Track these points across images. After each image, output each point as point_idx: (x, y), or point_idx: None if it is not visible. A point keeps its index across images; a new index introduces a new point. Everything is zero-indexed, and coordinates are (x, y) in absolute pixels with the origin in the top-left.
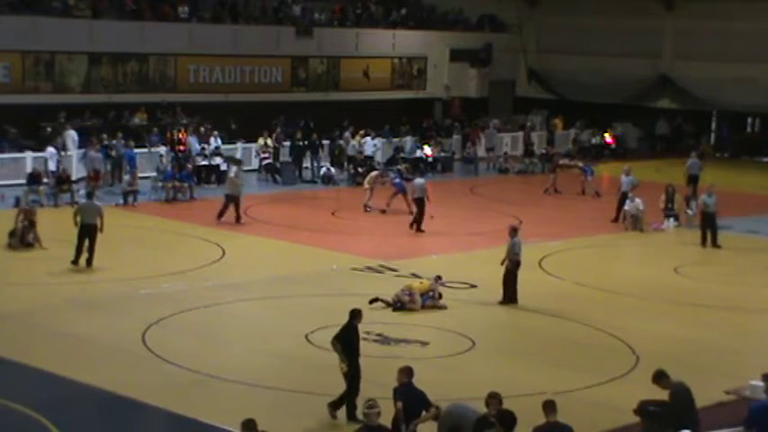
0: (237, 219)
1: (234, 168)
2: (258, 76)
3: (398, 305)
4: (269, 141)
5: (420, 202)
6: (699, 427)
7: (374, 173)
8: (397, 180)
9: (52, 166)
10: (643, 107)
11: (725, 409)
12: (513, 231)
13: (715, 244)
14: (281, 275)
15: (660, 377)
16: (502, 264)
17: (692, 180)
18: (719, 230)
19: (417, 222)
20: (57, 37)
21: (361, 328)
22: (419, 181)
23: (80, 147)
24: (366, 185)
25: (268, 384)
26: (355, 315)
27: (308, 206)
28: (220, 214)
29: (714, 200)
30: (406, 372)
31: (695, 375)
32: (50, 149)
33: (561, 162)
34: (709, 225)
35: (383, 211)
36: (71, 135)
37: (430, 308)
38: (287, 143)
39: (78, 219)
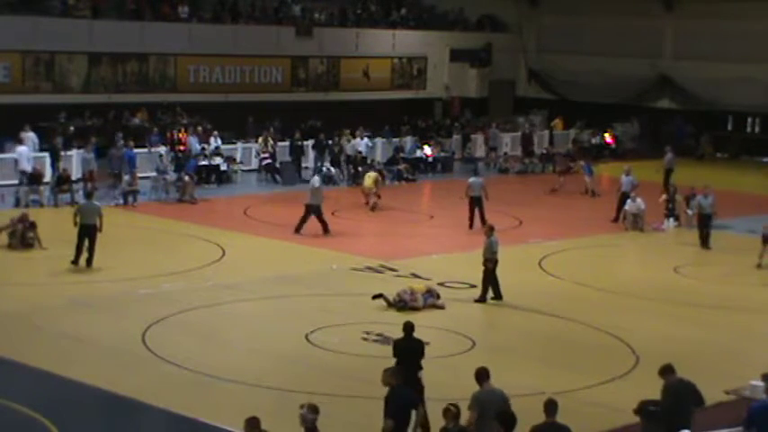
0: (326, 229)
1: (316, 177)
2: (258, 76)
3: (401, 304)
4: (270, 141)
5: (478, 201)
6: (690, 427)
7: (373, 174)
8: None
9: (26, 166)
10: (643, 107)
11: (725, 409)
12: (490, 231)
13: (706, 245)
14: (281, 275)
15: (665, 371)
16: (483, 264)
17: (667, 173)
18: (720, 231)
19: (481, 220)
20: (57, 37)
21: (361, 328)
22: (477, 180)
23: (79, 147)
24: (372, 187)
25: (268, 384)
26: (406, 327)
27: None
28: (299, 227)
29: (710, 201)
30: (396, 373)
31: (695, 375)
32: (21, 148)
33: (572, 165)
34: (704, 226)
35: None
36: (30, 137)
37: (430, 307)
38: (284, 143)
39: (78, 219)
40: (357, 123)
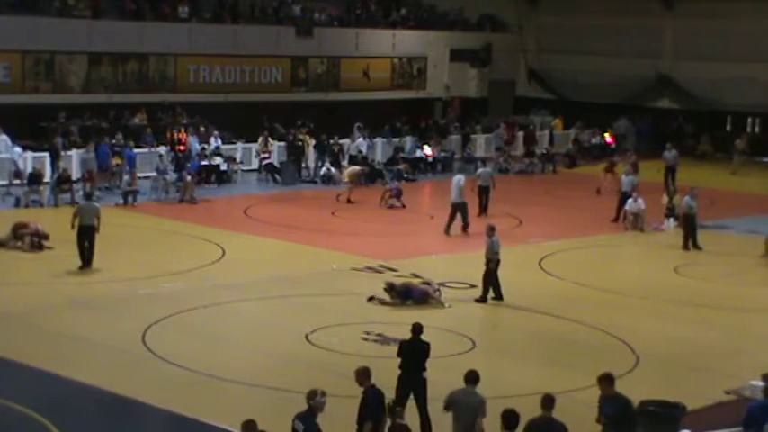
0: (466, 227)
1: (461, 176)
2: (258, 76)
3: (390, 291)
4: (270, 141)
5: (486, 190)
6: None
7: (356, 168)
8: (395, 185)
9: (19, 165)
10: (643, 107)
11: (725, 409)
12: (491, 231)
13: (696, 245)
14: (281, 275)
15: (607, 380)
16: (486, 264)
17: (670, 171)
18: (720, 231)
19: (484, 209)
20: (57, 37)
21: (362, 328)
22: (486, 170)
23: (79, 147)
24: (346, 178)
25: (268, 384)
26: (415, 329)
27: (308, 206)
28: (449, 226)
29: (697, 202)
30: (367, 373)
31: (695, 375)
32: (16, 149)
33: (614, 159)
34: (690, 227)
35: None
36: (4, 139)
37: (430, 303)
38: (281, 143)
39: (77, 221)
40: (356, 123)
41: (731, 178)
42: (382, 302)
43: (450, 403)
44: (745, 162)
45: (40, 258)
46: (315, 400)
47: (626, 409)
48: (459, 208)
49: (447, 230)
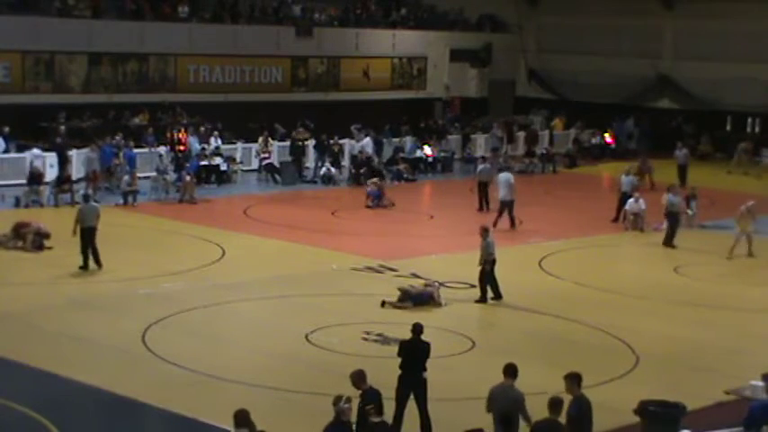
0: (513, 223)
1: (509, 174)
2: (258, 76)
3: (405, 296)
4: (270, 141)
5: (485, 186)
6: None
7: (375, 179)
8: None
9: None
10: (643, 107)
11: (725, 409)
12: (485, 232)
13: (669, 243)
14: (281, 275)
15: (573, 378)
16: (479, 265)
17: (681, 170)
18: (720, 231)
19: (486, 205)
20: (57, 37)
21: (361, 328)
22: (486, 167)
23: (79, 147)
24: (370, 186)
25: (268, 384)
26: (415, 329)
27: (308, 206)
28: (496, 222)
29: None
30: (362, 377)
31: (695, 375)
32: (34, 150)
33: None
34: (671, 224)
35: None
36: None
37: (429, 304)
38: (281, 143)
39: (78, 226)
40: (354, 125)
41: (729, 178)
42: (395, 307)
43: (490, 401)
44: (746, 163)
45: (41, 258)
46: (338, 406)
47: (584, 411)
48: (507, 205)
49: (494, 225)
